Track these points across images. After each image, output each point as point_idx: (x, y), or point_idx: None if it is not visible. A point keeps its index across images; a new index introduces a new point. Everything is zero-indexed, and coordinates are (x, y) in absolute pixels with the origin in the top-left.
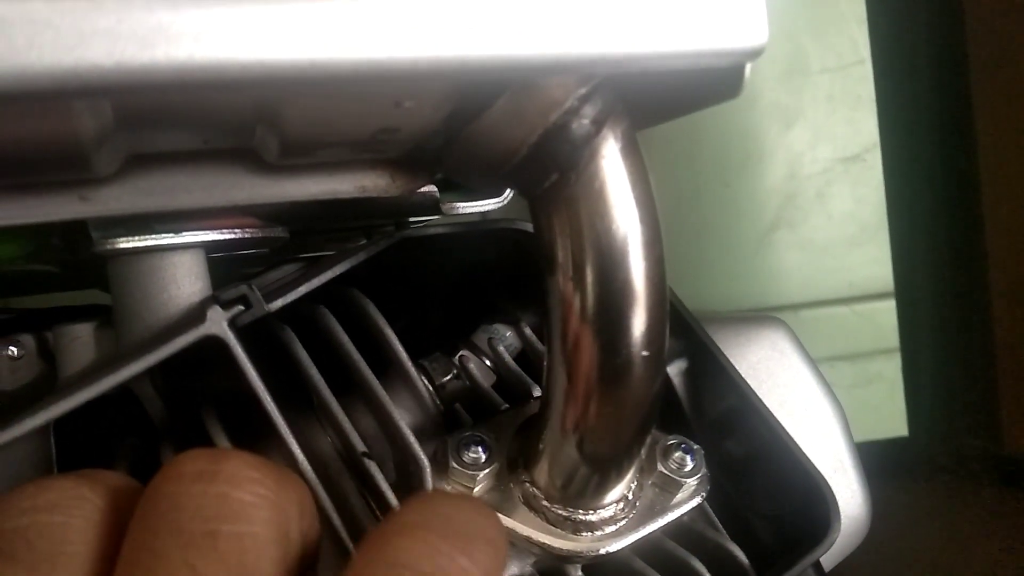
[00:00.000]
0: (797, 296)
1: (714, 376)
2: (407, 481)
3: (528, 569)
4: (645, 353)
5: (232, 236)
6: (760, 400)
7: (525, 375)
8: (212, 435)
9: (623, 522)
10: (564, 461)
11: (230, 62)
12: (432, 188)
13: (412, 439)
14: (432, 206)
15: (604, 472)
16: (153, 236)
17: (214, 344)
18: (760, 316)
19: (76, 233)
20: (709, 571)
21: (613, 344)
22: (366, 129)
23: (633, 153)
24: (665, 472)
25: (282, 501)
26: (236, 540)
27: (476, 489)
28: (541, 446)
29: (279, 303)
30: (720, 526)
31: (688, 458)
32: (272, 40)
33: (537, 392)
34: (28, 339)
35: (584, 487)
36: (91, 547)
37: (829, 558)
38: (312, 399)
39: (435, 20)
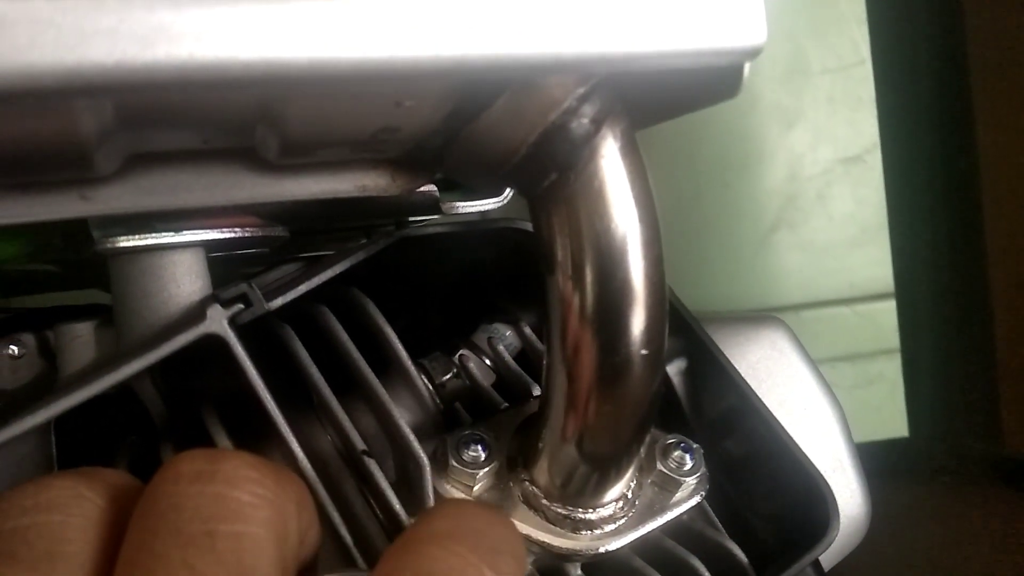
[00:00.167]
0: (798, 297)
1: (713, 375)
2: (407, 480)
3: (528, 568)
4: (644, 352)
5: (232, 235)
6: (759, 399)
7: (525, 374)
8: (212, 434)
9: (622, 521)
10: (563, 460)
11: (231, 61)
12: (432, 187)
13: (412, 438)
14: (432, 205)
15: (603, 471)
16: (153, 235)
17: (214, 343)
18: (759, 316)
19: (77, 232)
20: (708, 570)
21: (612, 343)
22: (366, 128)
23: (632, 152)
24: (664, 471)
25: (280, 500)
26: (234, 540)
27: (475, 488)
28: (541, 445)
29: (279, 302)
30: (719, 525)
31: (687, 457)
32: (273, 39)
33: (537, 391)
34: (29, 338)
35: (583, 486)
36: (91, 546)
37: (828, 557)
38: (312, 398)
39: (435, 19)
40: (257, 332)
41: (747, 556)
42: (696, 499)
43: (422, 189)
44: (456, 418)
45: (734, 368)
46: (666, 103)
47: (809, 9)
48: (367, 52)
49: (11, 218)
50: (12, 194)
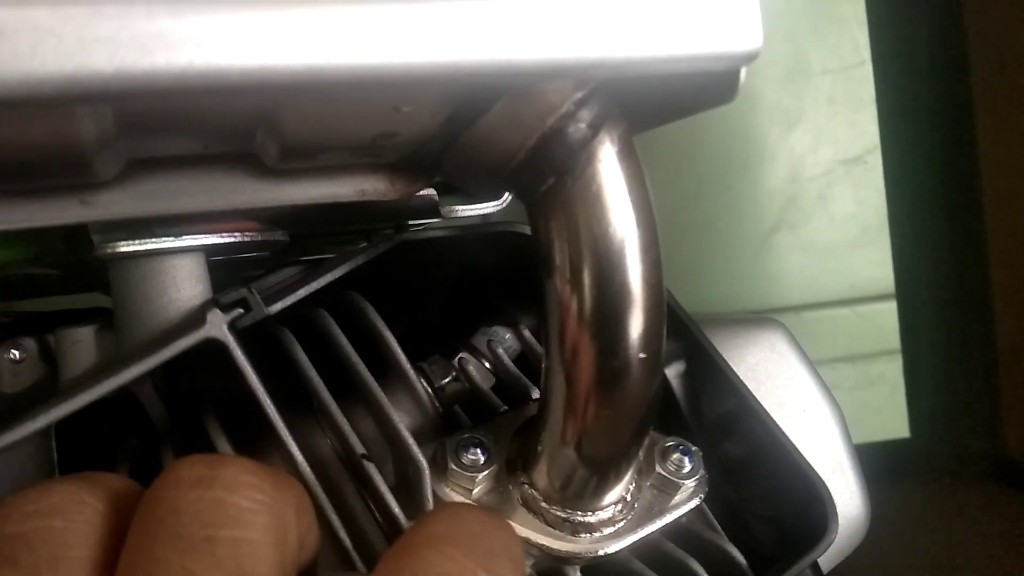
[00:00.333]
0: (799, 298)
1: (712, 378)
2: (406, 483)
3: (526, 570)
4: (642, 355)
5: (232, 239)
6: (758, 402)
7: (524, 377)
8: (212, 437)
9: (621, 523)
10: (562, 463)
11: (229, 68)
12: (431, 191)
13: (411, 441)
14: (431, 209)
15: (602, 473)
16: (154, 240)
17: (214, 347)
18: (758, 318)
19: (77, 237)
20: (707, 572)
21: (610, 346)
22: (365, 134)
23: (630, 156)
24: (663, 474)
25: (280, 506)
26: (234, 545)
27: (475, 491)
28: (540, 448)
29: (279, 306)
30: (718, 527)
31: (686, 460)
32: (271, 46)
33: (536, 394)
34: (30, 342)
35: (582, 488)
36: (92, 551)
37: (827, 559)
38: (312, 402)
39: (432, 26)
40: (257, 336)
41: (746, 558)
42: (695, 502)
43: (421, 193)
44: (455, 421)
45: (732, 371)
46: (663, 107)
47: (810, 10)
48: (365, 59)
49: (12, 223)
50: (13, 200)
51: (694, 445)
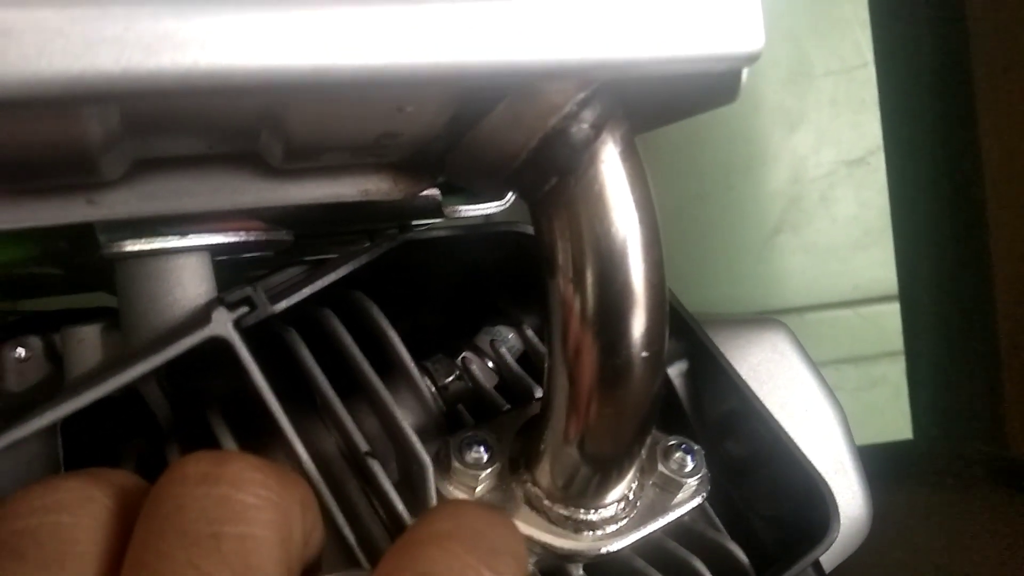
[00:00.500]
0: (801, 299)
1: (714, 378)
2: (410, 481)
3: (529, 568)
4: (645, 354)
5: (237, 239)
6: (760, 402)
7: (527, 376)
8: (218, 436)
9: (624, 522)
10: (565, 461)
11: (235, 69)
12: (434, 191)
13: (415, 439)
14: (434, 209)
15: (605, 472)
16: (159, 239)
17: (219, 345)
18: (760, 318)
19: (83, 236)
20: (709, 570)
21: (613, 345)
22: (369, 134)
23: (632, 157)
24: (666, 472)
25: (285, 502)
26: (240, 541)
27: (478, 489)
28: (543, 446)
29: (283, 304)
30: (720, 526)
31: (689, 458)
32: (275, 47)
33: (539, 393)
34: (35, 341)
35: (585, 487)
36: (99, 547)
37: (829, 558)
38: (316, 400)
39: (436, 27)
40: (261, 335)
41: (748, 557)
42: (697, 500)
43: (424, 193)
44: (458, 420)
45: (735, 370)
46: (665, 108)
47: (812, 12)
48: (369, 59)
49: (18, 222)
50: (19, 199)
51: (696, 444)
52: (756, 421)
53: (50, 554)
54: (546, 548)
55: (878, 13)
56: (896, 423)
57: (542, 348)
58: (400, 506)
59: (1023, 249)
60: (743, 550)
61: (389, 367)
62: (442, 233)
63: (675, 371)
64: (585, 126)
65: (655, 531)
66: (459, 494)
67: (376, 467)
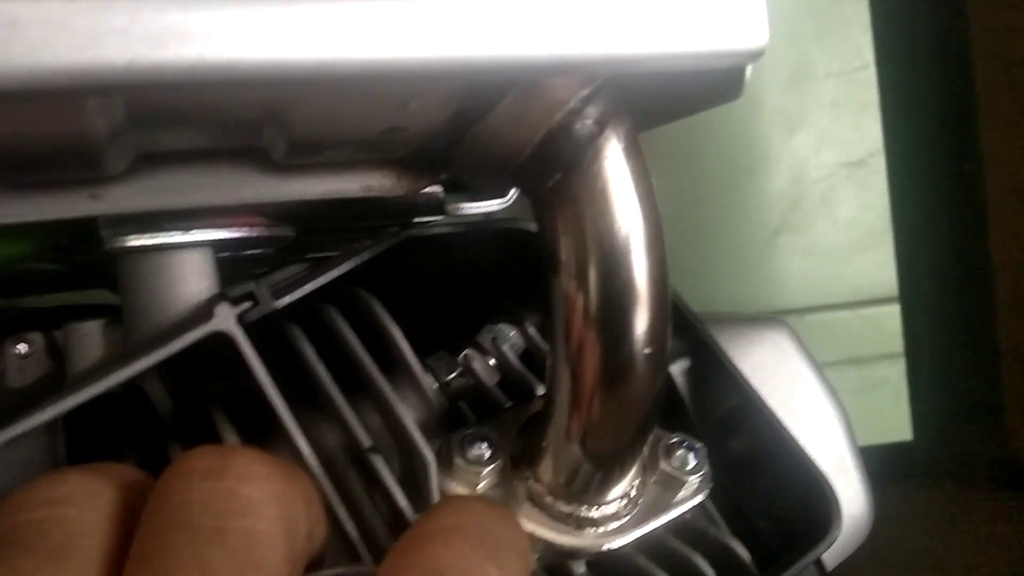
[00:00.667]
0: (802, 300)
1: (717, 375)
2: (412, 477)
3: (532, 565)
4: (647, 351)
5: (240, 234)
6: (763, 399)
7: (529, 374)
8: (221, 432)
9: (626, 519)
10: (567, 458)
11: (240, 62)
12: (437, 189)
13: (417, 435)
14: (437, 207)
15: (607, 469)
16: (162, 234)
17: (222, 340)
18: (763, 317)
19: (85, 233)
20: (711, 568)
21: (616, 342)
22: (373, 129)
23: (635, 153)
24: (668, 470)
25: (289, 497)
26: (244, 536)
27: (480, 485)
28: (545, 443)
29: (287, 299)
30: (723, 524)
31: (691, 456)
32: (280, 41)
33: (541, 391)
34: (37, 337)
35: (587, 484)
36: (103, 540)
37: (831, 556)
38: (318, 397)
39: (441, 21)
40: (264, 331)
41: (750, 554)
42: (699, 498)
43: (427, 190)
44: (461, 417)
45: (737, 368)
46: (669, 105)
47: (813, 13)
48: (374, 54)
49: (21, 216)
50: (23, 193)
51: (699, 442)
52: (758, 419)
53: (55, 547)
54: (548, 545)
55: (879, 15)
56: (896, 424)
57: (544, 346)
58: (403, 502)
59: None
60: (745, 547)
61: (392, 364)
62: (445, 229)
63: (677, 369)
64: (589, 122)
65: (657, 528)
66: (461, 491)
67: (379, 463)
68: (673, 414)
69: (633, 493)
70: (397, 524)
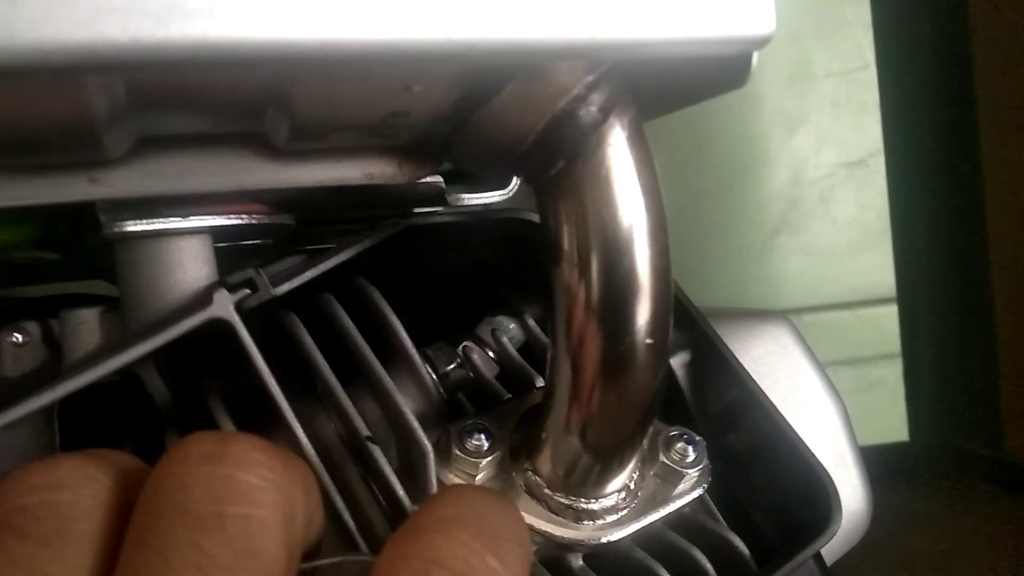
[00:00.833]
0: (800, 300)
1: (717, 369)
2: (410, 467)
3: (531, 557)
4: (648, 342)
5: (239, 222)
6: (763, 393)
7: (528, 366)
8: (218, 420)
9: (625, 512)
10: (567, 450)
11: (243, 40)
12: (438, 178)
13: (416, 425)
14: (437, 197)
15: (606, 461)
16: (161, 220)
17: (220, 327)
18: (764, 312)
19: (83, 219)
20: (710, 561)
21: (617, 332)
22: (375, 113)
23: (639, 142)
24: (667, 463)
25: (288, 484)
26: (243, 522)
27: (478, 477)
28: (544, 435)
29: (285, 287)
30: (721, 517)
31: (690, 449)
32: (285, 19)
33: (540, 383)
34: (32, 326)
35: (586, 476)
36: (99, 525)
37: (829, 551)
38: (316, 386)
39: (446, 3)
40: (263, 319)
41: (749, 548)
42: (698, 491)
43: (428, 180)
44: (459, 409)
45: (738, 362)
46: (674, 92)
47: (814, 13)
48: (378, 34)
49: (20, 200)
50: (21, 176)
51: (698, 435)
52: (758, 412)
53: (50, 532)
54: (546, 537)
55: (880, 15)
56: (893, 425)
57: (544, 338)
58: (400, 491)
59: (1022, 252)
60: (744, 541)
61: (390, 354)
62: (446, 219)
63: (678, 361)
64: (593, 109)
65: (655, 521)
66: (459, 482)
67: (377, 452)
68: (673, 407)
69: (632, 486)
70: (395, 514)
